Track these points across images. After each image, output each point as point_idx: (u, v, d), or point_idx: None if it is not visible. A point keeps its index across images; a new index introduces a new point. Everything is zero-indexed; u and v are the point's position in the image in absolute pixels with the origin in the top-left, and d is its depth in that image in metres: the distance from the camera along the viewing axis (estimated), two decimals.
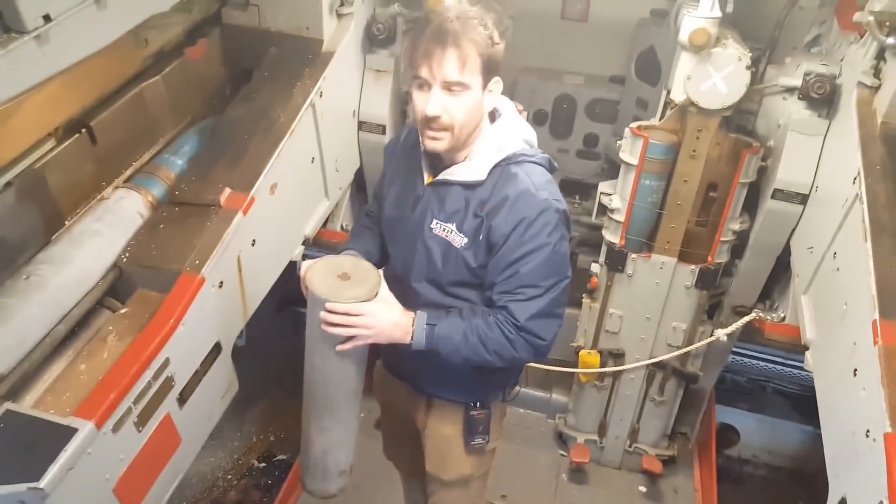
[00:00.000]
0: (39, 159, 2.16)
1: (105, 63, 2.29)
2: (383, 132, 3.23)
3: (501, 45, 1.72)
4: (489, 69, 1.71)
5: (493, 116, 1.89)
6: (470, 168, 1.82)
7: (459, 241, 1.84)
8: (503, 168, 1.80)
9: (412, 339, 1.83)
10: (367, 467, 3.72)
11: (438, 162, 1.88)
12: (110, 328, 2.06)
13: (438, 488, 2.34)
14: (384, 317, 1.81)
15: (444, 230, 1.86)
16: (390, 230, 2.07)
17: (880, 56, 2.43)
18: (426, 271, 1.93)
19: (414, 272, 1.95)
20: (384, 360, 2.37)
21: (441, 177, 1.86)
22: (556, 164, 1.96)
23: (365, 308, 1.78)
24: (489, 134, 1.84)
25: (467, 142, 1.82)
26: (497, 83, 1.77)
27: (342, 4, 2.88)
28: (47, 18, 1.96)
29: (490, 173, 1.80)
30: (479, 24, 1.68)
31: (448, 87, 1.69)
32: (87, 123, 2.30)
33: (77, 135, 2.28)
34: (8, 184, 2.04)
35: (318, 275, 1.85)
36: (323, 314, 1.79)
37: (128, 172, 2.53)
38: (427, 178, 1.91)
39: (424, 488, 2.47)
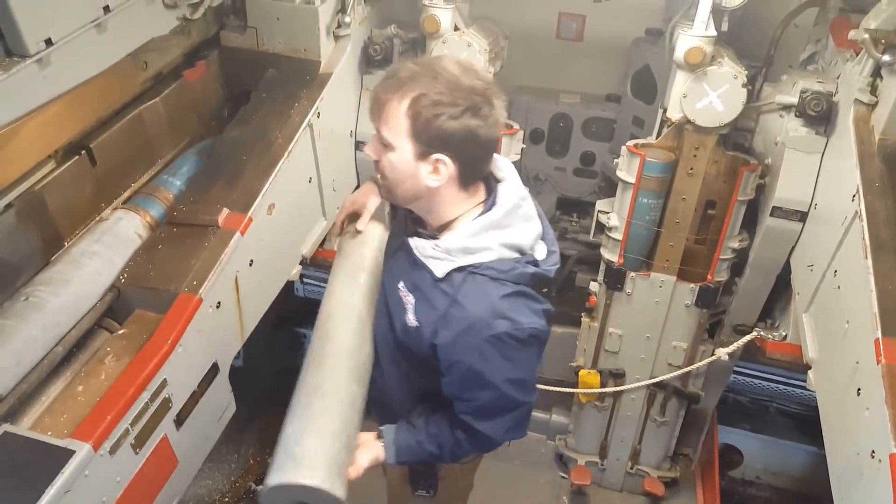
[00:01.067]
0: (40, 181, 2.17)
1: (105, 85, 2.31)
2: None
3: (459, 122, 1.47)
4: (426, 141, 1.50)
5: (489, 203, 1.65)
6: (433, 254, 1.62)
7: (412, 319, 1.67)
8: (465, 276, 1.57)
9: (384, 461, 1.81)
10: (365, 489, 3.68)
11: (419, 222, 1.73)
12: (108, 349, 2.05)
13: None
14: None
15: (404, 296, 1.70)
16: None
17: (876, 73, 2.45)
18: (387, 340, 1.79)
19: (379, 339, 1.81)
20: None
21: (412, 242, 1.66)
22: (549, 274, 1.68)
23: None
24: (465, 228, 1.60)
25: (432, 211, 1.64)
26: (444, 164, 1.52)
27: (339, 26, 2.91)
28: (49, 42, 1.99)
29: (449, 275, 1.59)
30: (432, 84, 1.47)
31: (379, 136, 1.57)
32: (86, 145, 2.32)
33: (77, 156, 2.29)
34: (8, 205, 2.05)
35: None
36: None
37: (127, 193, 2.54)
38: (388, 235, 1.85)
39: None
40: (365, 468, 1.76)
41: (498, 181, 1.68)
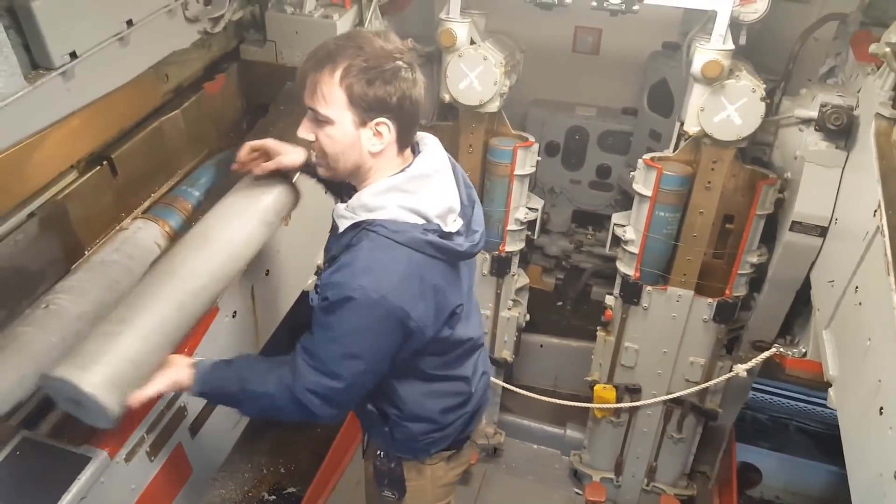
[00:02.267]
0: (62, 191, 2.20)
1: (127, 97, 2.35)
2: None
3: (393, 85, 1.51)
4: (364, 107, 1.53)
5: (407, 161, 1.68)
6: (342, 213, 1.67)
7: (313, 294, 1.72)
8: (360, 231, 1.60)
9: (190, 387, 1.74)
10: None
11: (350, 191, 1.74)
12: None
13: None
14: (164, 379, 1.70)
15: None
16: None
17: None
18: None
19: None
20: None
21: (335, 210, 1.72)
22: (458, 248, 1.66)
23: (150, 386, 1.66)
24: (371, 188, 1.63)
25: (368, 178, 1.66)
26: (387, 126, 1.56)
27: None
28: (73, 55, 2.03)
29: (346, 231, 1.64)
30: (357, 53, 1.50)
31: (313, 115, 1.60)
32: (108, 156, 2.36)
33: (98, 167, 2.33)
34: (31, 214, 2.08)
35: None
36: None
37: (146, 204, 2.57)
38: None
39: None
40: (160, 391, 1.69)
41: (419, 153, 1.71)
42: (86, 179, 2.27)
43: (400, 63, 1.53)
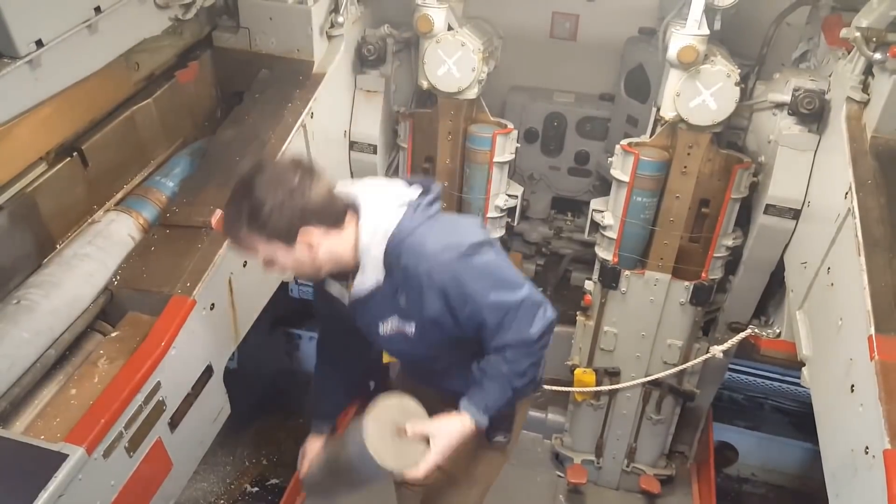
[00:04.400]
0: (31, 183, 2.16)
1: (97, 87, 2.30)
2: (374, 152, 3.24)
3: (289, 207, 1.66)
4: (284, 236, 1.70)
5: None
6: (366, 277, 1.80)
7: (409, 329, 1.86)
8: (394, 256, 1.75)
9: (478, 426, 1.88)
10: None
11: (343, 276, 1.88)
12: (101, 352, 2.04)
13: (442, 483, 2.28)
14: (451, 434, 1.85)
15: (391, 328, 1.88)
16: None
17: (868, 71, 2.46)
18: (421, 358, 2.02)
19: (414, 365, 2.10)
20: (406, 371, 2.35)
21: (353, 295, 1.87)
22: (431, 196, 1.83)
23: (438, 447, 1.81)
24: (363, 241, 1.77)
25: (339, 262, 1.80)
26: (309, 233, 1.71)
27: (332, 26, 2.90)
28: (39, 44, 1.98)
29: (386, 269, 1.78)
30: (248, 205, 1.67)
31: (259, 259, 1.78)
32: (78, 147, 2.31)
33: (69, 158, 2.28)
34: (0, 208, 2.04)
35: (378, 444, 1.77)
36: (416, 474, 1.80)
37: (119, 195, 2.52)
38: (343, 292, 1.94)
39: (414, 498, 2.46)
40: (452, 447, 1.84)
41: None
42: (56, 171, 2.23)
43: (287, 181, 1.67)
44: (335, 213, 1.76)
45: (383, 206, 1.78)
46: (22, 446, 1.72)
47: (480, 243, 1.75)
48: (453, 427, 1.84)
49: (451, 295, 1.74)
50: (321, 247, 1.74)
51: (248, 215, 1.68)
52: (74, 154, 2.29)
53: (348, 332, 2.06)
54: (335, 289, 1.95)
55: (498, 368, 1.85)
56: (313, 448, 2.30)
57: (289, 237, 1.71)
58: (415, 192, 1.84)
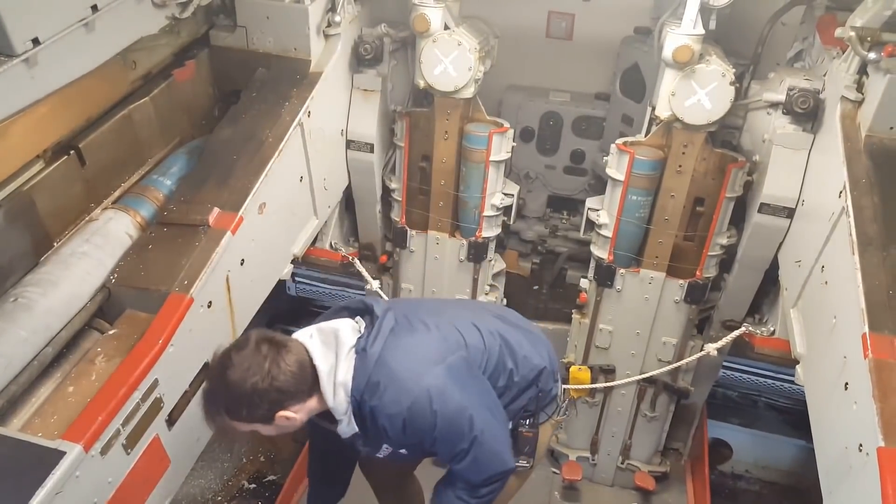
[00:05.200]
0: (28, 181, 2.16)
1: (93, 85, 2.30)
2: (371, 150, 3.24)
3: (265, 392, 1.74)
4: (267, 418, 1.80)
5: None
6: (344, 428, 1.92)
7: (402, 451, 2.01)
8: (364, 415, 1.87)
9: None
10: (358, 488, 3.69)
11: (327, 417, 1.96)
12: (98, 350, 2.04)
13: None
14: None
15: (387, 452, 2.03)
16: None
17: (862, 70, 2.47)
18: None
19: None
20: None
21: (347, 436, 1.97)
22: (370, 328, 1.92)
23: None
24: (329, 404, 1.87)
25: (320, 412, 1.90)
26: (286, 412, 1.79)
27: (329, 25, 2.91)
28: (36, 42, 1.98)
29: (357, 420, 1.89)
30: (225, 398, 1.76)
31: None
32: (75, 145, 2.31)
33: (66, 156, 2.28)
34: None
35: None
36: None
37: (116, 193, 2.52)
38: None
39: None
40: None
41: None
42: (53, 169, 2.23)
43: (257, 376, 1.73)
44: (307, 384, 1.82)
45: (334, 363, 1.85)
46: (19, 444, 1.72)
47: (437, 379, 1.85)
48: None
49: (428, 439, 1.88)
50: (299, 415, 1.84)
51: (226, 408, 1.77)
52: (71, 152, 2.30)
53: (340, 449, 2.18)
54: (325, 424, 2.00)
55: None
56: None
57: (267, 419, 1.80)
58: (359, 325, 1.92)
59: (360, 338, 1.88)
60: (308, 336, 1.87)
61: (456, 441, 1.88)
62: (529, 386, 2.13)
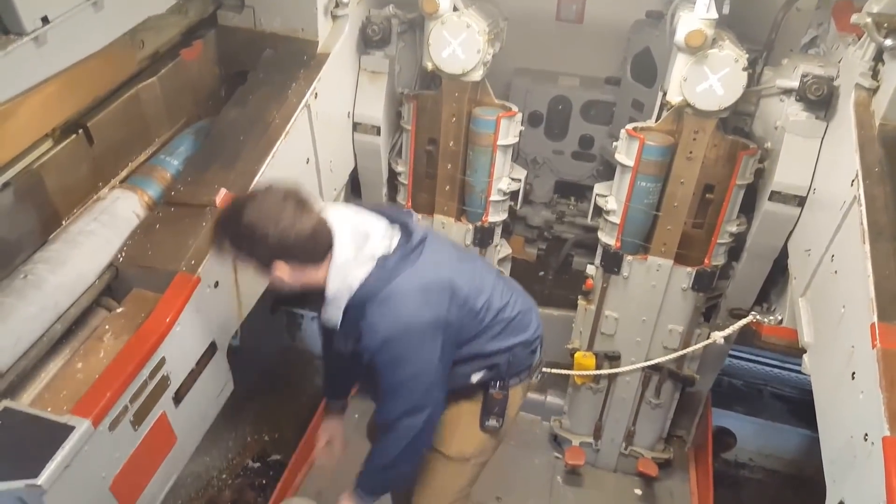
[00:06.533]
0: (37, 160, 2.17)
1: (102, 64, 2.30)
2: (378, 133, 3.23)
3: (265, 242, 1.81)
4: (258, 261, 1.88)
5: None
6: (329, 312, 1.99)
7: (364, 355, 2.02)
8: (354, 310, 1.93)
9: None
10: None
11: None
12: (106, 327, 2.07)
13: (434, 462, 2.38)
14: None
15: (350, 348, 2.04)
16: None
17: (878, 58, 2.43)
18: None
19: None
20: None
21: (323, 319, 2.05)
22: (404, 248, 1.96)
23: None
24: (330, 288, 1.94)
25: (313, 287, 1.95)
26: (282, 267, 1.87)
27: (337, 6, 2.88)
28: (45, 20, 1.97)
29: (345, 313, 1.96)
30: (229, 235, 1.87)
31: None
32: (83, 124, 2.31)
33: (74, 136, 2.28)
34: (6, 184, 2.05)
35: None
36: None
37: (124, 173, 2.53)
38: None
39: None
40: None
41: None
42: (61, 148, 2.24)
43: (271, 222, 1.79)
44: (313, 252, 1.89)
45: (354, 259, 1.91)
46: (29, 418, 1.75)
47: (427, 325, 1.92)
48: None
49: (381, 356, 1.94)
50: (292, 278, 1.90)
51: (232, 236, 1.86)
52: (80, 131, 2.30)
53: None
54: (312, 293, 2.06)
55: (372, 457, 2.16)
56: (330, 426, 2.55)
57: (264, 263, 1.88)
58: (393, 236, 1.97)
59: (386, 254, 1.93)
60: (340, 221, 1.93)
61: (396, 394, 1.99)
62: (505, 351, 2.23)
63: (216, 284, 2.22)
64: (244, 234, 1.82)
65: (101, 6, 2.18)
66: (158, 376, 1.99)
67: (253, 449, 4.14)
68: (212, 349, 2.26)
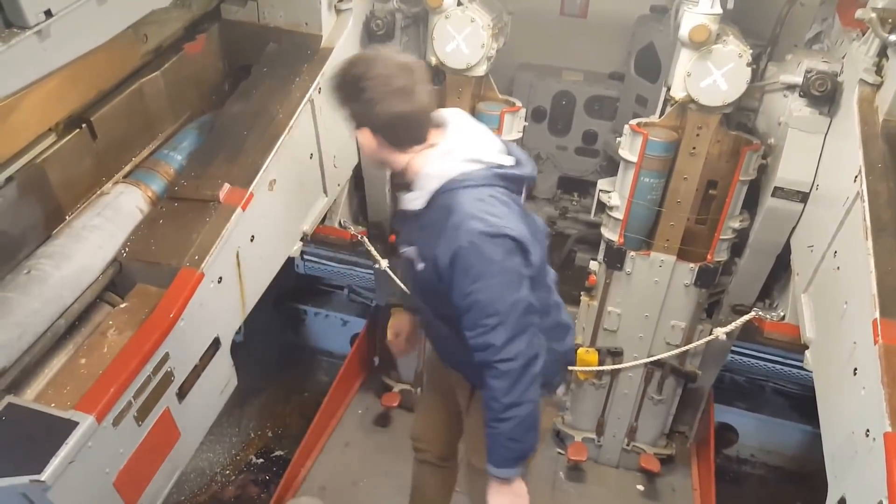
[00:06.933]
0: (40, 154, 2.16)
1: (105, 58, 2.29)
2: None
3: (362, 103, 1.81)
4: (349, 113, 1.89)
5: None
6: (414, 196, 1.93)
7: (419, 264, 1.96)
8: (441, 195, 1.86)
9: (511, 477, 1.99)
10: (365, 465, 3.74)
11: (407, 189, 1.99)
12: (110, 323, 2.06)
13: (468, 474, 2.37)
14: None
15: (410, 254, 2.01)
16: None
17: (882, 53, 2.42)
18: (413, 293, 2.17)
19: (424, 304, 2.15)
20: (437, 351, 2.39)
21: (399, 205, 2.01)
22: (521, 173, 1.94)
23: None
24: (427, 162, 1.89)
25: (396, 171, 1.95)
26: (365, 134, 1.87)
27: (341, 0, 2.87)
28: (48, 14, 1.97)
29: (429, 201, 1.89)
30: (346, 77, 1.85)
31: None
32: (87, 119, 2.31)
33: (77, 130, 2.28)
34: (10, 178, 2.05)
35: None
36: None
37: (127, 168, 2.53)
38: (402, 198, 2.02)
39: (434, 476, 2.56)
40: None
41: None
42: (65, 143, 2.23)
43: (376, 87, 1.78)
44: (401, 137, 1.87)
45: (461, 153, 1.86)
46: (33, 414, 1.75)
47: (503, 235, 1.79)
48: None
49: (457, 265, 1.79)
50: (370, 151, 1.91)
51: (338, 80, 1.86)
52: (83, 126, 2.29)
53: None
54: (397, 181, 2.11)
55: (491, 405, 1.89)
56: (398, 322, 2.53)
57: (352, 123, 1.89)
58: (505, 160, 1.91)
59: (493, 164, 1.88)
60: (459, 117, 1.93)
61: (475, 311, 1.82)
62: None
63: (220, 280, 2.22)
64: (344, 86, 1.84)
65: (104, 0, 2.18)
66: (162, 372, 1.99)
67: (256, 445, 4.16)
68: (215, 345, 2.25)
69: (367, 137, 1.88)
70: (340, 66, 1.86)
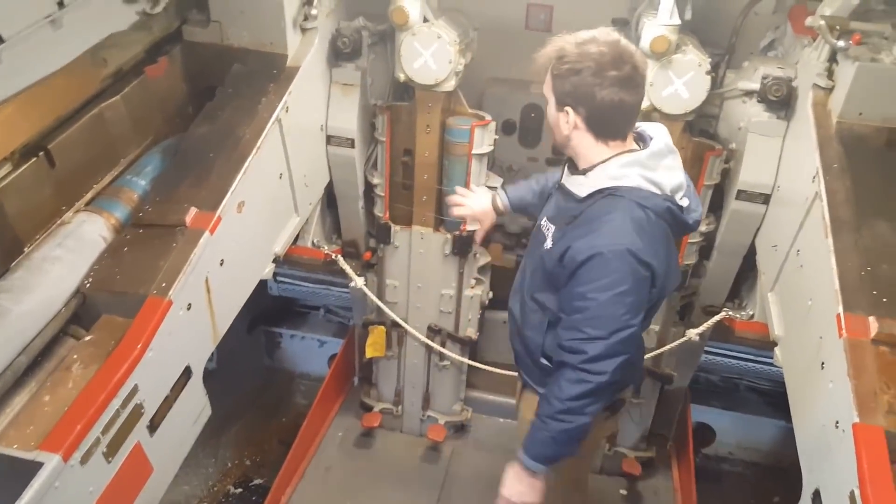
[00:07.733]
0: None
1: (62, 84, 2.24)
2: (352, 146, 3.21)
3: (580, 80, 1.78)
4: (559, 96, 1.86)
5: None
6: (581, 182, 1.91)
7: (549, 243, 1.97)
8: (608, 196, 1.85)
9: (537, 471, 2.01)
10: (347, 489, 3.67)
11: (574, 169, 1.99)
12: (75, 357, 2.00)
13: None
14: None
15: (545, 228, 2.02)
16: None
17: (832, 58, 2.52)
18: (524, 264, 2.20)
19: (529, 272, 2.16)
20: (509, 332, 2.38)
21: (562, 181, 2.01)
22: (687, 220, 1.95)
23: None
24: (615, 163, 1.87)
25: (577, 156, 1.93)
26: (568, 115, 1.85)
27: (306, 18, 2.86)
28: (0, 40, 1.91)
29: (592, 195, 1.88)
30: (565, 50, 1.83)
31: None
32: (44, 146, 2.25)
33: (34, 158, 2.22)
34: None
35: None
36: None
37: (89, 195, 2.47)
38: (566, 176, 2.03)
39: None
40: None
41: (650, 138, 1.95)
42: (21, 172, 2.17)
43: (602, 64, 1.76)
44: (601, 127, 1.85)
45: (642, 168, 1.85)
46: None
47: (645, 264, 1.81)
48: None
49: (590, 265, 1.80)
50: (564, 129, 1.87)
51: (555, 51, 1.84)
52: (40, 154, 2.23)
53: None
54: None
55: (551, 399, 1.90)
56: (481, 212, 2.55)
57: (561, 102, 1.86)
58: (678, 196, 1.91)
59: (661, 194, 1.87)
60: (663, 135, 1.93)
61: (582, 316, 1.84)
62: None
63: (189, 307, 2.17)
64: (558, 61, 1.81)
65: (59, 24, 2.14)
66: (131, 405, 1.93)
67: (234, 474, 4.06)
68: (187, 374, 2.20)
69: (567, 118, 1.84)
70: (569, 42, 1.83)
